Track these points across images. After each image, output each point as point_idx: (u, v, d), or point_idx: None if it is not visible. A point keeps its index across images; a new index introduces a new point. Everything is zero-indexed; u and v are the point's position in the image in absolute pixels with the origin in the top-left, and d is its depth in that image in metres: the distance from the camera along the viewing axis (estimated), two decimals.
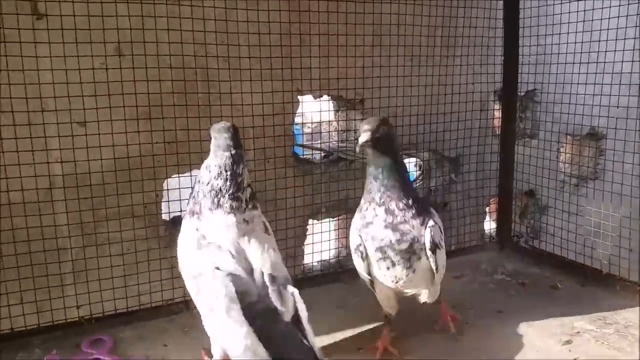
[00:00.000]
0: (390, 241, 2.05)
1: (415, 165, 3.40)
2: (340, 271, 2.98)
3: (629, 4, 2.66)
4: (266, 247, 1.88)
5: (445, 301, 2.39)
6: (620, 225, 2.81)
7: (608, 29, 2.72)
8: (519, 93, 3.30)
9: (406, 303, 2.28)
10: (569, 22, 2.91)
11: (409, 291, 2.21)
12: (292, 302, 1.79)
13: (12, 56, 2.13)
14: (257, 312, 1.74)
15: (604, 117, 2.84)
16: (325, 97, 2.93)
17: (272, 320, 1.74)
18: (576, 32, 2.87)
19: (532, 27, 3.13)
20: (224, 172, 1.90)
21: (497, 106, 3.42)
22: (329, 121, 3.11)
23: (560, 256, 3.10)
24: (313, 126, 3.13)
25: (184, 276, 1.93)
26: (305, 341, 1.73)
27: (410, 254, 2.06)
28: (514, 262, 3.20)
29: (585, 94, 2.88)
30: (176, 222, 2.59)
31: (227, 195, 1.89)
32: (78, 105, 2.27)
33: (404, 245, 2.05)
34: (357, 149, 2.09)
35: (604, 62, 2.77)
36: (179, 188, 2.52)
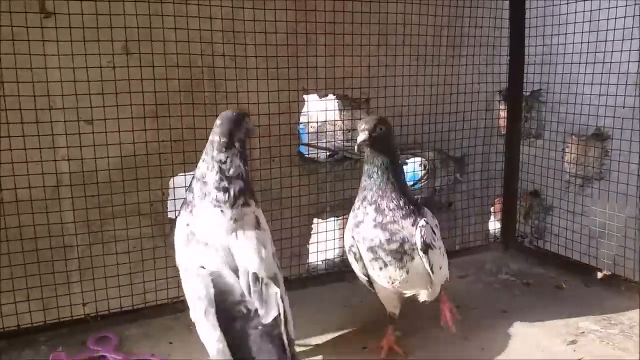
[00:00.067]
0: (380, 241, 2.04)
1: (420, 165, 3.41)
2: (344, 270, 2.97)
3: (635, 4, 2.66)
4: (255, 245, 1.83)
5: (444, 300, 2.37)
6: (625, 225, 2.81)
7: (614, 29, 2.72)
8: (524, 93, 3.30)
9: (410, 302, 2.28)
10: (574, 22, 2.90)
11: (408, 292, 2.21)
12: (275, 302, 1.76)
13: (20, 54, 2.14)
14: (237, 312, 1.74)
15: (610, 118, 2.83)
16: (330, 96, 2.94)
17: (251, 322, 1.73)
18: (582, 32, 2.87)
19: (538, 27, 3.13)
20: (209, 159, 1.88)
21: (502, 106, 3.42)
22: (334, 120, 3.11)
23: (565, 256, 3.10)
24: (318, 125, 3.13)
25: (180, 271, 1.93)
26: (282, 344, 1.71)
27: (402, 254, 2.05)
28: (519, 262, 3.20)
29: (591, 94, 2.88)
30: None
31: (211, 184, 1.86)
32: (85, 103, 2.28)
33: (394, 246, 2.04)
34: (355, 148, 2.09)
35: (610, 63, 2.76)
36: (185, 186, 2.51)
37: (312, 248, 2.97)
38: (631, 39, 2.67)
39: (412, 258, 2.06)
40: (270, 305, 1.75)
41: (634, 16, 2.66)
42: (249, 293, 1.75)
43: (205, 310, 1.74)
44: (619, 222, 2.83)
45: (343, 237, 2.26)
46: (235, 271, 1.79)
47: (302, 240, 2.89)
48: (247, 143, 1.97)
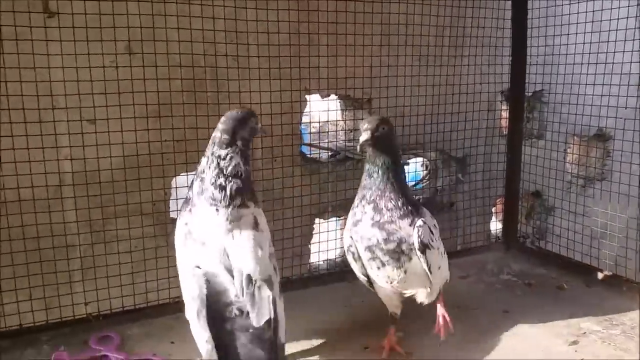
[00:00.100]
0: (378, 240, 2.04)
1: (422, 165, 3.41)
2: (346, 270, 2.95)
3: (637, 5, 2.66)
4: (251, 246, 1.80)
5: (441, 307, 2.33)
6: (627, 226, 2.81)
7: (617, 30, 2.72)
8: (526, 93, 3.30)
9: (412, 303, 2.28)
10: (577, 23, 2.91)
11: (407, 292, 2.21)
12: (267, 306, 1.75)
13: (23, 54, 2.14)
14: (230, 313, 1.74)
15: (612, 118, 2.83)
16: (332, 96, 2.94)
17: (243, 324, 1.73)
18: (584, 32, 2.87)
19: (540, 27, 3.13)
20: (209, 155, 1.87)
21: (504, 106, 3.42)
22: (336, 120, 3.12)
23: (566, 257, 3.10)
24: (320, 125, 3.13)
25: None
26: (272, 349, 1.71)
27: (399, 254, 2.05)
28: (520, 263, 3.21)
29: (593, 95, 2.88)
30: None
31: (208, 181, 1.83)
32: (88, 103, 2.29)
33: (391, 245, 2.04)
34: (357, 148, 2.09)
35: (612, 63, 2.77)
36: (187, 186, 2.51)
37: (313, 248, 2.97)
38: (633, 39, 2.68)
39: (410, 258, 2.06)
40: (262, 309, 1.74)
41: (636, 17, 2.67)
42: (243, 294, 1.74)
43: (198, 310, 1.74)
44: (621, 223, 2.84)
45: (343, 237, 2.26)
46: (231, 272, 1.77)
47: (303, 240, 2.89)
48: (251, 143, 1.96)
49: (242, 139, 1.89)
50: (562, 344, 2.29)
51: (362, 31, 2.81)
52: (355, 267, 2.20)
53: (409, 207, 2.06)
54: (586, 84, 2.89)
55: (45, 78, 2.20)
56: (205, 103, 2.52)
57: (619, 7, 2.71)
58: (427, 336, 2.32)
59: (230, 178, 1.83)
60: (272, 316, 1.74)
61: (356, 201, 2.13)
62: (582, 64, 2.90)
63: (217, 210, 1.82)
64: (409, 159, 3.26)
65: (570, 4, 2.94)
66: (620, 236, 2.83)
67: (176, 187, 2.53)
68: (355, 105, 3.02)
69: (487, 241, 3.46)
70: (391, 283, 2.13)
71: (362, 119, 2.91)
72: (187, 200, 1.90)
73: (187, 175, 2.52)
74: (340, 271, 2.97)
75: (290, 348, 2.25)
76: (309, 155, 2.98)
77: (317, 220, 2.96)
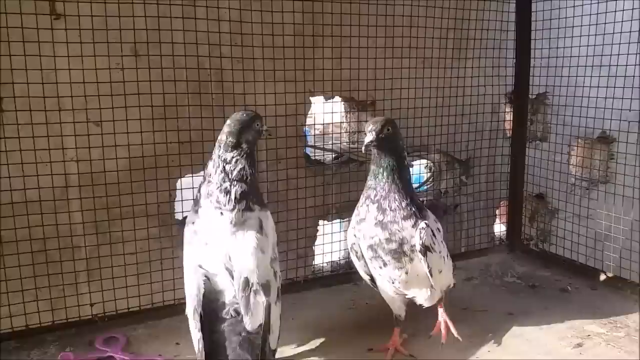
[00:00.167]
0: (380, 240, 2.05)
1: (426, 167, 3.41)
2: (350, 272, 2.98)
3: None
4: (252, 249, 1.81)
5: (442, 305, 2.34)
6: (630, 228, 2.81)
7: (620, 33, 2.72)
8: (530, 96, 3.30)
9: (416, 304, 2.28)
10: (581, 26, 2.91)
11: (408, 293, 2.21)
12: (261, 311, 1.76)
13: (30, 55, 2.15)
14: (226, 314, 1.76)
15: (615, 121, 2.83)
16: (336, 98, 2.95)
17: (236, 326, 1.74)
18: (588, 35, 2.88)
19: (544, 30, 3.13)
20: (216, 158, 1.89)
21: (508, 109, 3.42)
22: (340, 122, 3.12)
23: (570, 259, 3.10)
24: (324, 127, 3.14)
25: None
26: (261, 355, 1.72)
27: (401, 254, 2.05)
28: (524, 265, 3.21)
29: (596, 97, 2.88)
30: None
31: (214, 184, 1.85)
32: (94, 104, 2.30)
33: (393, 245, 2.04)
34: (362, 149, 2.09)
35: (616, 66, 2.77)
36: (192, 188, 2.53)
37: (317, 250, 2.98)
38: (637, 42, 2.68)
39: (411, 259, 2.07)
40: (256, 313, 1.75)
41: None
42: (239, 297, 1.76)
43: (194, 309, 1.77)
44: (625, 225, 2.83)
45: (347, 235, 2.27)
46: (231, 273, 1.79)
47: (307, 241, 2.89)
48: (256, 145, 1.97)
49: (247, 142, 1.90)
50: (567, 347, 2.29)
51: (367, 33, 2.82)
52: (359, 265, 2.22)
53: (413, 209, 2.07)
54: (590, 87, 2.90)
55: (51, 80, 2.21)
56: (211, 105, 2.53)
57: (623, 10, 2.72)
58: (432, 338, 2.32)
59: (235, 182, 1.85)
60: (263, 321, 1.75)
61: (361, 200, 2.14)
62: (585, 66, 2.91)
63: (221, 213, 1.84)
64: (413, 161, 3.27)
65: (574, 7, 2.95)
66: (624, 238, 2.82)
67: (181, 189, 2.53)
68: (359, 108, 3.03)
69: (491, 243, 3.46)
70: (393, 283, 2.14)
71: (367, 121, 2.94)
72: (195, 201, 1.93)
73: (192, 176, 2.53)
74: (344, 273, 2.98)
75: (294, 350, 2.27)
76: (312, 157, 2.99)
77: (321, 222, 2.96)
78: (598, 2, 2.82)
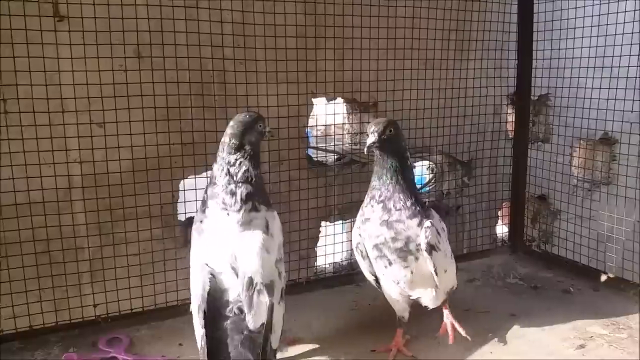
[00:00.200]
0: (385, 239, 2.06)
1: (428, 169, 3.42)
2: (352, 273, 2.99)
3: None
4: (257, 249, 1.83)
5: (447, 307, 2.35)
6: (633, 230, 2.81)
7: (623, 34, 2.73)
8: (532, 97, 3.31)
9: (419, 306, 2.28)
10: (583, 27, 2.92)
11: (413, 294, 2.21)
12: (264, 311, 1.77)
13: (34, 57, 2.16)
14: (228, 312, 1.77)
15: (618, 122, 2.84)
16: (339, 100, 2.96)
17: (239, 324, 1.75)
18: (590, 36, 2.88)
19: (546, 31, 3.14)
20: (220, 160, 1.90)
21: (510, 110, 3.42)
22: (342, 124, 3.13)
23: (572, 260, 3.10)
24: (326, 129, 3.15)
25: None
26: (261, 354, 1.72)
27: (406, 253, 2.06)
28: (527, 266, 3.20)
29: (599, 99, 2.88)
30: (192, 222, 2.62)
31: (220, 187, 1.87)
32: (97, 106, 2.31)
33: (399, 244, 2.06)
34: (365, 150, 2.11)
35: (618, 67, 2.77)
36: (195, 189, 2.54)
37: (319, 251, 2.98)
38: (639, 43, 2.68)
39: (417, 258, 2.08)
40: (259, 312, 1.76)
41: None
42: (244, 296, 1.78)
43: (198, 306, 1.79)
44: (627, 227, 2.84)
45: (351, 235, 2.27)
46: (236, 272, 1.81)
47: (309, 243, 2.90)
48: (259, 146, 1.98)
49: (250, 143, 1.91)
50: (569, 348, 2.29)
51: (369, 35, 2.82)
52: (363, 265, 2.22)
53: (418, 208, 2.08)
54: (592, 88, 2.90)
55: (55, 81, 2.22)
56: (213, 107, 2.54)
57: (625, 11, 2.72)
58: (435, 339, 2.32)
59: (240, 184, 1.87)
60: (265, 321, 1.76)
61: (365, 201, 2.15)
62: (588, 67, 2.91)
63: (228, 214, 1.86)
64: (415, 162, 3.27)
65: (576, 7, 2.95)
66: (627, 240, 2.83)
67: (184, 190, 2.54)
68: (361, 109, 3.03)
69: (493, 244, 3.46)
70: (398, 283, 2.14)
71: (369, 122, 2.94)
72: (202, 202, 1.95)
73: (195, 178, 2.54)
74: (346, 274, 2.99)
75: (296, 350, 2.27)
76: (315, 159, 2.99)
77: (323, 223, 2.97)
78: (600, 3, 2.82)
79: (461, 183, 3.35)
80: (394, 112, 2.94)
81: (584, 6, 2.91)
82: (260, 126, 1.96)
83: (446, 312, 2.34)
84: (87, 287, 2.40)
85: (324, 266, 3.03)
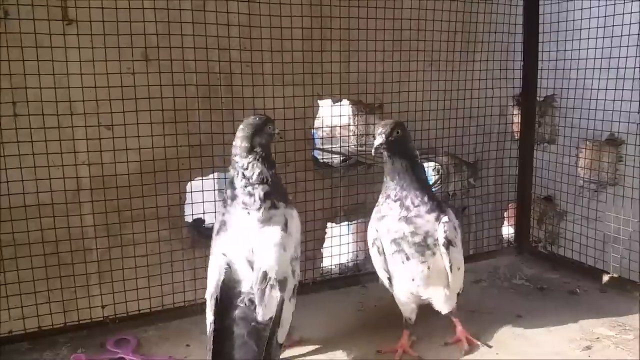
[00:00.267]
0: (404, 233, 2.08)
1: (434, 170, 3.42)
2: (358, 274, 3.01)
3: None
4: (274, 245, 1.90)
5: (459, 323, 2.34)
6: (639, 230, 2.80)
7: (629, 35, 2.72)
8: (538, 98, 3.30)
9: (426, 307, 2.29)
10: (589, 28, 2.91)
11: (425, 294, 2.21)
12: (274, 306, 1.82)
13: (43, 61, 2.18)
14: (240, 302, 1.83)
15: (624, 123, 2.83)
16: (344, 101, 2.97)
17: (248, 315, 1.80)
18: (596, 37, 2.87)
19: (552, 32, 3.13)
20: (234, 164, 1.97)
21: (516, 111, 3.42)
22: (348, 125, 3.14)
23: (578, 261, 3.10)
24: (332, 130, 3.16)
25: None
26: (266, 347, 1.76)
27: (424, 247, 2.09)
28: (533, 267, 3.20)
29: (605, 100, 2.88)
30: (199, 224, 2.64)
31: (239, 189, 1.94)
32: (105, 109, 2.33)
33: (418, 238, 2.08)
34: (372, 152, 2.12)
35: (624, 68, 2.76)
36: (202, 191, 2.56)
37: (326, 252, 2.99)
38: None
39: (434, 253, 2.10)
40: (269, 306, 1.81)
41: None
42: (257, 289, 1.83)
43: (211, 293, 1.85)
44: (633, 228, 2.83)
45: (367, 231, 2.27)
46: (252, 264, 1.87)
47: (316, 244, 2.90)
48: (270, 148, 2.02)
49: (261, 145, 1.97)
50: (575, 349, 2.29)
51: (374, 36, 2.83)
52: (378, 261, 2.23)
53: (434, 203, 2.12)
54: (598, 89, 2.90)
55: (63, 84, 2.24)
56: (220, 109, 2.55)
57: (631, 12, 2.72)
58: (440, 340, 2.33)
59: (257, 185, 1.94)
60: (274, 315, 1.81)
61: (380, 200, 2.17)
62: (593, 68, 2.91)
63: (248, 213, 1.93)
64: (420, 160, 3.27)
65: (582, 8, 2.95)
66: (633, 241, 2.82)
67: (191, 192, 2.56)
68: (367, 110, 3.04)
69: (500, 246, 3.46)
70: (413, 280, 2.15)
71: (375, 124, 2.95)
72: (223, 200, 2.00)
73: (202, 179, 2.56)
74: (352, 275, 3.00)
75: (301, 350, 2.28)
76: (321, 160, 3.00)
77: (329, 224, 2.98)
78: (606, 4, 2.82)
79: (467, 184, 3.35)
80: (400, 114, 2.94)
81: (590, 7, 2.90)
82: (269, 128, 2.01)
83: (459, 329, 2.32)
84: (95, 288, 2.42)
85: (330, 267, 3.04)
